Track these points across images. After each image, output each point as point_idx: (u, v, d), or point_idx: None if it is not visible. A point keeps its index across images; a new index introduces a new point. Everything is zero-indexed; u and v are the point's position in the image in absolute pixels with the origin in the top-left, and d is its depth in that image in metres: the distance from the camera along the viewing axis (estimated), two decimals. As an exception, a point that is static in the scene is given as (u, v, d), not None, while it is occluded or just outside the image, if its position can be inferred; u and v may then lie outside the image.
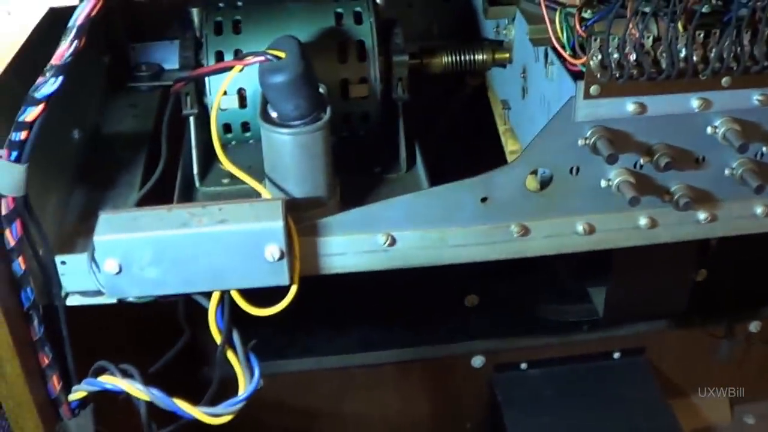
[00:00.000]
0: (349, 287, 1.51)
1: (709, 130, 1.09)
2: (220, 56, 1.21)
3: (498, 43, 1.37)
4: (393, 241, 1.10)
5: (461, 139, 1.52)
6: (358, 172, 1.28)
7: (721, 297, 1.85)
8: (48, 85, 0.90)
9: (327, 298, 1.58)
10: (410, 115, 1.30)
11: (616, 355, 1.85)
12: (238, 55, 1.20)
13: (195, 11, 1.26)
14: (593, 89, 1.03)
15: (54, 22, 1.11)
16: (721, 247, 1.66)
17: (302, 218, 1.09)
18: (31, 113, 0.91)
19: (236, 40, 1.23)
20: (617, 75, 1.02)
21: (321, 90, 1.12)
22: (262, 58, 1.07)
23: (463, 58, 1.36)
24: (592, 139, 1.06)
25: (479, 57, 1.36)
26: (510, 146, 1.32)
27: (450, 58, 1.37)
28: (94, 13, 0.88)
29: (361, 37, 1.23)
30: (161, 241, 1.00)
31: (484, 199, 1.09)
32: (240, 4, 1.26)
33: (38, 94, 0.91)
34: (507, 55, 1.34)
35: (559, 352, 1.82)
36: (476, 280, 1.77)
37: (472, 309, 1.81)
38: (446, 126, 1.53)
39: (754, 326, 1.89)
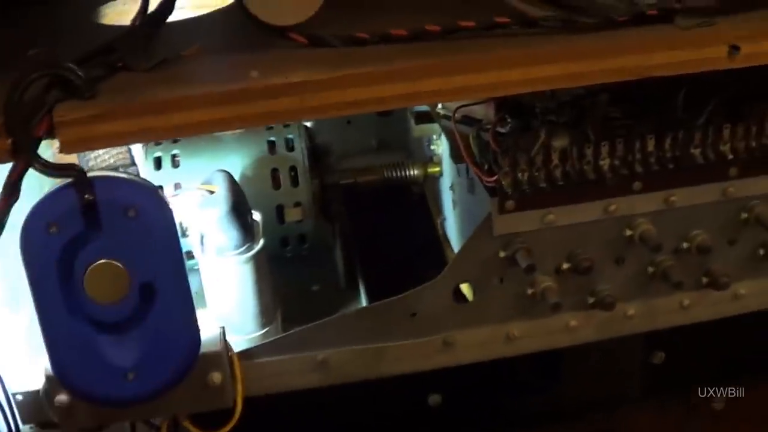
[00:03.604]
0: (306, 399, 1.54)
1: (627, 232, 1.15)
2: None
3: (429, 158, 1.42)
4: (330, 360, 1.14)
5: (405, 246, 1.57)
6: (298, 290, 1.32)
7: (683, 377, 1.88)
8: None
9: (285, 413, 1.61)
10: (354, 226, 1.35)
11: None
12: (176, 189, 1.26)
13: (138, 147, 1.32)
14: (508, 204, 1.09)
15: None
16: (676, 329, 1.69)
17: (243, 342, 1.14)
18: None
19: (175, 173, 1.28)
20: (528, 190, 1.08)
21: (256, 217, 1.17)
22: (195, 193, 1.13)
23: (396, 174, 1.42)
24: (511, 252, 1.11)
25: (411, 173, 1.41)
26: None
27: (384, 175, 1.42)
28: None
29: (294, 163, 1.29)
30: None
31: (413, 314, 1.14)
32: (179, 139, 1.31)
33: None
34: (438, 169, 1.40)
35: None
36: (436, 378, 1.80)
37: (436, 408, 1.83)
38: (390, 235, 1.57)
39: (718, 404, 1.91)
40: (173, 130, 0.89)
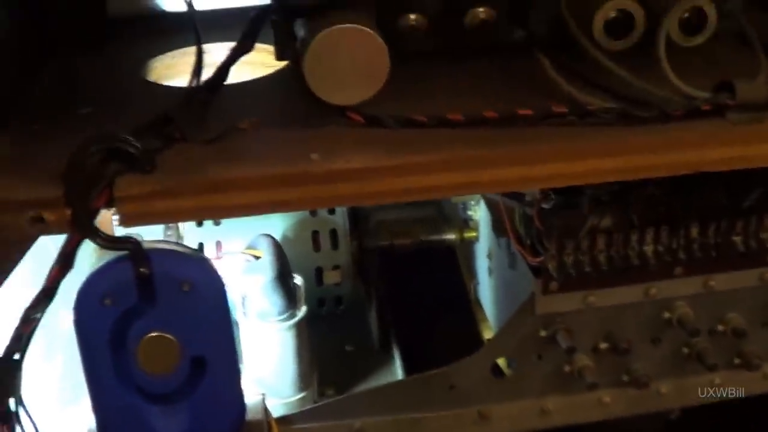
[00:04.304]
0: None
1: (665, 314, 1.16)
2: (200, 248, 1.27)
3: (465, 221, 1.43)
4: (367, 429, 1.15)
5: (437, 309, 1.57)
6: (332, 350, 1.33)
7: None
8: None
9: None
10: (389, 287, 1.36)
11: None
12: (218, 247, 1.26)
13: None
14: (552, 285, 1.10)
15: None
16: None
17: (279, 406, 1.14)
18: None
19: (216, 231, 1.29)
20: (573, 273, 1.09)
21: (298, 281, 1.18)
22: (240, 257, 1.13)
23: (433, 237, 1.42)
24: (552, 331, 1.12)
25: (448, 236, 1.42)
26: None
27: (420, 239, 1.42)
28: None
29: (334, 226, 1.30)
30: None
31: (452, 387, 1.15)
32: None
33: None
34: (474, 234, 1.41)
35: None
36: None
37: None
38: (422, 297, 1.58)
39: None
40: (232, 210, 0.90)
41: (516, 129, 0.95)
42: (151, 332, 0.94)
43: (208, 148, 0.94)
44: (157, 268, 0.91)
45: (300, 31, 0.98)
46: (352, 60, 0.93)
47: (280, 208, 0.91)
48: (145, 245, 0.92)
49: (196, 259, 0.96)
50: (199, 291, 0.93)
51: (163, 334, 0.94)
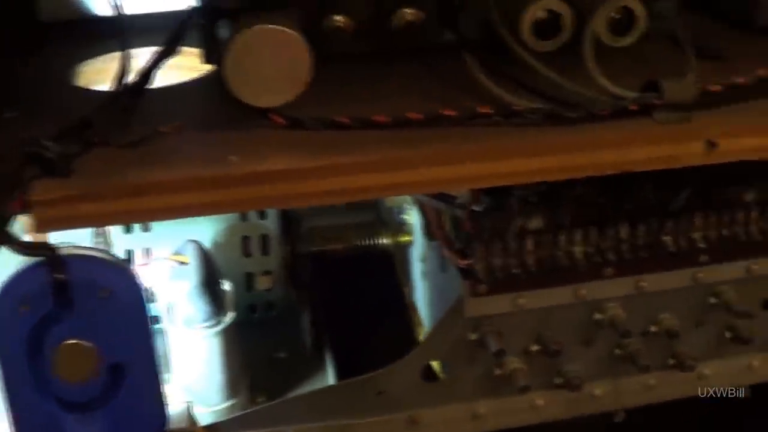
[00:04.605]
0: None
1: (596, 316, 1.15)
2: (129, 255, 1.25)
3: (400, 225, 1.41)
4: (297, 436, 1.14)
5: (372, 313, 1.56)
6: (264, 357, 1.32)
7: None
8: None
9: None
10: (322, 292, 1.35)
11: None
12: (147, 254, 1.25)
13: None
14: (480, 288, 1.09)
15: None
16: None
17: (208, 414, 1.13)
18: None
19: (146, 238, 1.27)
20: (501, 276, 1.08)
21: (226, 287, 1.16)
22: (166, 263, 1.12)
23: (366, 242, 1.41)
24: (481, 334, 1.11)
25: (382, 241, 1.41)
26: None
27: (354, 243, 1.41)
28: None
29: (265, 231, 1.28)
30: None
31: (380, 392, 1.14)
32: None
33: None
34: (409, 238, 1.39)
35: None
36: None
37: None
38: (357, 302, 1.56)
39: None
40: (151, 214, 0.88)
41: (442, 130, 0.94)
42: (68, 339, 0.92)
43: (129, 151, 0.92)
44: (74, 275, 0.90)
45: (222, 33, 0.97)
46: (274, 61, 0.92)
47: (200, 211, 0.89)
48: (62, 251, 0.90)
49: (115, 265, 0.94)
50: (117, 297, 0.92)
51: (80, 342, 0.92)
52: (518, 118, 0.95)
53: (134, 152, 0.92)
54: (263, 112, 0.95)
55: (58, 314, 0.91)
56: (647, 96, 0.96)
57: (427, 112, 0.94)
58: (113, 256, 0.97)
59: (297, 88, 0.94)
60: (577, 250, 1.10)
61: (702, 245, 1.13)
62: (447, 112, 0.94)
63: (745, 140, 0.97)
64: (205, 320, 1.12)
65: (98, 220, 0.90)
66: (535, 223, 1.10)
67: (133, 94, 1.01)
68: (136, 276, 0.94)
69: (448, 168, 0.91)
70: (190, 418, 1.06)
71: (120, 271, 0.94)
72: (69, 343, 0.92)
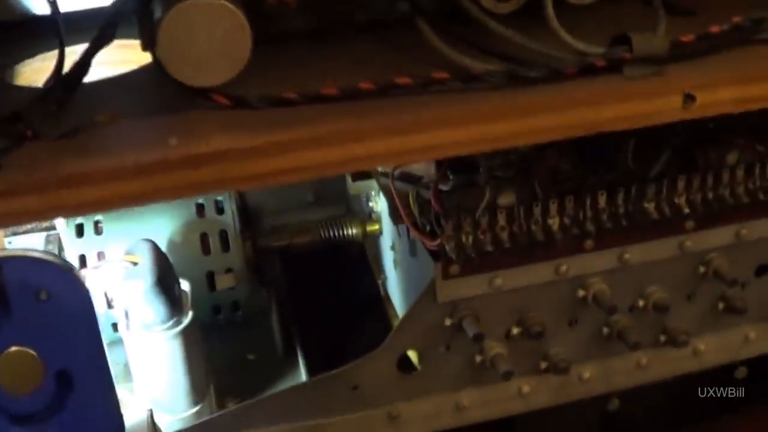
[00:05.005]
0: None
1: (579, 293, 1.09)
2: (82, 260, 1.19)
3: (368, 214, 1.35)
4: (268, 440, 1.07)
5: (345, 309, 1.50)
6: (232, 360, 1.25)
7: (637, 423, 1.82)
8: None
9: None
10: (291, 289, 1.28)
11: None
12: (99, 258, 1.18)
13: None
14: (452, 269, 1.03)
15: None
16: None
17: (174, 422, 1.06)
18: None
19: (98, 241, 1.20)
20: (473, 254, 1.01)
21: (185, 287, 1.10)
22: (118, 265, 1.05)
23: (333, 233, 1.34)
24: (458, 319, 1.05)
25: (350, 231, 1.34)
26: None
27: (321, 235, 1.35)
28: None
29: (224, 226, 1.22)
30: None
31: (355, 387, 1.07)
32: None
33: None
34: (377, 227, 1.33)
35: None
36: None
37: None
38: (329, 297, 1.50)
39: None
40: (84, 207, 0.81)
41: (395, 100, 0.88)
42: (9, 347, 0.85)
43: (62, 144, 0.85)
44: (8, 276, 0.83)
45: (156, 14, 0.90)
46: (210, 37, 0.85)
47: (136, 201, 0.82)
48: (-5, 253, 0.84)
49: (54, 265, 0.88)
50: (58, 300, 0.86)
51: (22, 349, 0.86)
52: (478, 82, 0.88)
53: (69, 144, 0.85)
54: (204, 93, 0.88)
55: (-5, 321, 0.84)
56: (616, 50, 0.89)
57: (379, 81, 0.88)
58: (53, 255, 0.91)
59: (237, 65, 0.87)
60: (553, 222, 1.03)
61: (687, 210, 1.06)
62: (401, 80, 0.88)
63: (724, 92, 0.91)
64: (163, 321, 1.05)
65: (29, 216, 0.83)
66: (507, 198, 1.04)
67: (68, 88, 0.94)
68: (79, 277, 0.88)
69: (404, 138, 0.84)
70: (152, 427, 0.99)
71: (59, 271, 0.87)
72: (10, 352, 0.86)
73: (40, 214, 0.84)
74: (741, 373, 1.43)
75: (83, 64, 0.93)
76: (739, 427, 1.68)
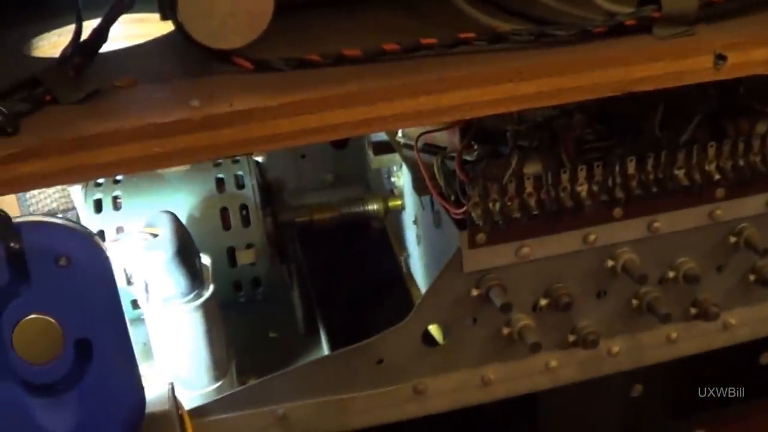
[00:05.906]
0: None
1: (608, 263, 1.07)
2: (101, 236, 1.17)
3: (390, 191, 1.33)
4: (291, 414, 1.05)
5: (367, 286, 1.48)
6: (254, 338, 1.24)
7: (660, 410, 1.80)
8: None
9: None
10: (312, 266, 1.27)
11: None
12: (118, 233, 1.16)
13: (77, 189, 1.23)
14: (479, 237, 1.01)
15: None
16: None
17: (195, 398, 1.04)
18: None
19: (117, 216, 1.19)
20: (500, 222, 0.99)
21: (205, 261, 1.08)
22: (138, 237, 1.04)
23: (355, 209, 1.32)
24: (484, 290, 1.03)
25: (371, 207, 1.32)
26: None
27: (342, 212, 1.32)
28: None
29: (244, 201, 1.20)
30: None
31: (380, 361, 1.05)
32: (120, 178, 1.22)
33: None
34: (399, 202, 1.31)
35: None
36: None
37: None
38: (350, 275, 1.48)
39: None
40: (103, 169, 0.80)
41: (421, 61, 0.86)
42: (28, 315, 0.83)
43: (82, 108, 0.84)
44: (28, 242, 0.81)
45: (176, -22, 0.88)
46: (231, -1, 0.83)
47: (156, 162, 0.80)
48: (15, 219, 0.82)
49: (74, 230, 0.86)
50: (78, 266, 0.83)
51: (41, 316, 0.84)
52: (505, 42, 0.87)
53: (89, 108, 0.84)
54: (226, 56, 0.87)
55: (15, 287, 0.82)
56: (645, 9, 0.88)
57: (403, 42, 0.86)
58: (72, 221, 0.89)
59: (258, 27, 0.86)
60: (582, 189, 1.01)
61: (717, 177, 1.04)
62: (426, 41, 0.86)
63: (756, 52, 0.89)
64: (184, 294, 1.04)
65: (48, 180, 0.81)
66: (533, 167, 1.02)
67: (86, 53, 0.92)
68: (99, 243, 0.86)
69: (428, 98, 0.83)
70: (173, 401, 0.97)
71: (80, 236, 0.85)
72: (29, 319, 0.84)
73: (60, 177, 0.82)
74: (766, 358, 1.42)
75: (101, 29, 0.92)
76: (762, 413, 1.66)
